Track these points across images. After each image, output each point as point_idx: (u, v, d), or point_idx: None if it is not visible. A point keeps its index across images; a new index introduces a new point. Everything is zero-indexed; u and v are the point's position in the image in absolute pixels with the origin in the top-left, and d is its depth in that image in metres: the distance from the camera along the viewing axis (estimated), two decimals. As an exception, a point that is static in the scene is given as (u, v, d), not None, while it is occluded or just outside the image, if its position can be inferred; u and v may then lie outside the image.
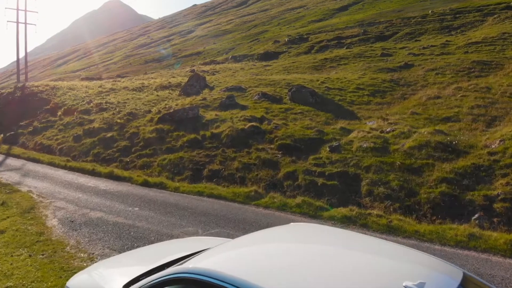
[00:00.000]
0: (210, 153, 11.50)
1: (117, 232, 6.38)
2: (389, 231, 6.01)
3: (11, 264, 5.11)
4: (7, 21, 32.57)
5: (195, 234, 6.20)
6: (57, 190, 9.83)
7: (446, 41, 24.18)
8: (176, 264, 2.43)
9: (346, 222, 6.60)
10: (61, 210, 7.87)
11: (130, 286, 2.60)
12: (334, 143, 10.02)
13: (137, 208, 7.83)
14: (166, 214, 7.38)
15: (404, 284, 1.82)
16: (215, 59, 38.68)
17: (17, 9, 31.94)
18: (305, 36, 35.62)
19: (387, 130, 10.44)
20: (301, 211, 7.21)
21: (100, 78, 37.04)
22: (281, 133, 11.47)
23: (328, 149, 9.82)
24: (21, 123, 21.52)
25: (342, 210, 6.91)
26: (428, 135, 9.34)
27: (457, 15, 30.80)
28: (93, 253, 5.43)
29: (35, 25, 33.45)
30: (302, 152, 10.26)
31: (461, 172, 7.53)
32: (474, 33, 25.68)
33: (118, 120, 16.18)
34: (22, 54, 33.44)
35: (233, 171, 10.17)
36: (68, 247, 5.73)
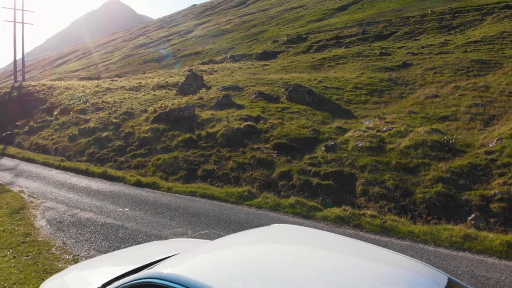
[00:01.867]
0: (205, 152, 11.37)
1: (104, 233, 6.24)
2: (383, 232, 5.87)
3: (-6, 265, 4.99)
4: (4, 21, 32.47)
5: (185, 235, 6.06)
6: (48, 190, 9.69)
7: (445, 40, 24.08)
8: (147, 268, 2.30)
9: (339, 222, 6.46)
10: (51, 210, 7.73)
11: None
12: (330, 143, 9.88)
13: (128, 209, 7.68)
14: (156, 214, 7.23)
15: None
16: (214, 58, 38.57)
17: (14, 8, 31.84)
18: (304, 36, 35.53)
19: (384, 129, 10.30)
20: (294, 211, 7.07)
21: (98, 78, 36.91)
22: (277, 132, 11.33)
23: (323, 148, 9.68)
24: (17, 123, 21.41)
25: (336, 211, 6.77)
26: (424, 134, 9.20)
27: (456, 14, 30.72)
28: (78, 255, 5.29)
29: (32, 24, 33.36)
30: (297, 151, 10.13)
31: (458, 172, 7.39)
32: (473, 32, 25.55)
33: (114, 120, 16.06)
34: (20, 54, 33.32)
35: (228, 171, 10.04)
36: (53, 249, 5.59)
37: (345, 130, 10.88)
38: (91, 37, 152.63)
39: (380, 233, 5.85)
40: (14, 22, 31.65)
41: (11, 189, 9.92)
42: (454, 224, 6.07)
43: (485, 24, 27.24)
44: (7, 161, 15.12)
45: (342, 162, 8.74)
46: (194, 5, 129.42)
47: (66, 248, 5.58)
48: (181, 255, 2.36)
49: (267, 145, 10.79)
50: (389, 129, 10.20)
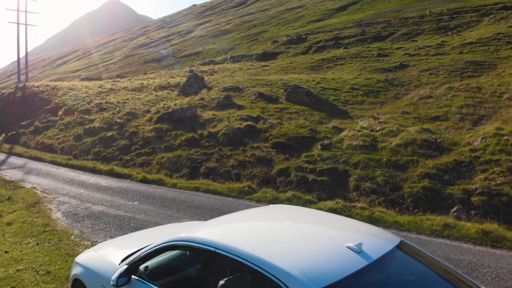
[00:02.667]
0: (207, 151, 11.92)
1: (117, 223, 6.81)
2: (371, 221, 6.42)
3: (21, 251, 5.54)
4: (8, 22, 32.95)
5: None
6: (59, 186, 10.25)
7: (442, 41, 24.40)
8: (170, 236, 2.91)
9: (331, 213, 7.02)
10: (65, 204, 8.29)
11: (128, 257, 3.09)
12: (326, 141, 10.44)
13: (137, 203, 8.26)
14: (164, 207, 7.80)
15: (346, 245, 2.31)
16: (214, 59, 38.95)
17: (18, 10, 32.34)
18: (304, 36, 35.87)
19: (377, 128, 10.85)
20: (290, 204, 7.63)
21: (100, 78, 37.42)
22: (276, 132, 11.88)
23: (319, 147, 10.24)
24: (22, 123, 21.90)
25: (329, 203, 7.33)
26: (415, 133, 9.75)
27: (454, 15, 30.84)
28: (96, 241, 5.85)
29: (35, 26, 33.87)
30: (295, 150, 10.68)
31: (443, 168, 7.95)
32: (470, 33, 25.79)
33: (118, 120, 16.59)
34: (22, 54, 33.83)
35: (229, 169, 10.59)
36: (72, 236, 6.16)
37: (341, 130, 11.43)
38: (91, 37, 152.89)
39: (368, 223, 6.37)
40: (18, 23, 32.15)
41: (24, 185, 10.46)
42: (438, 216, 6.63)
43: (482, 26, 27.57)
44: (15, 160, 15.65)
45: (337, 160, 9.30)
46: (194, 5, 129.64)
47: (84, 236, 6.15)
48: (195, 227, 2.98)
49: (267, 144, 11.34)
50: (382, 129, 10.75)
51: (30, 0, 32.69)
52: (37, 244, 5.83)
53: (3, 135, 20.84)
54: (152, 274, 2.90)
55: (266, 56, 31.88)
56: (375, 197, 7.65)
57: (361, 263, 2.18)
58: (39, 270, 4.84)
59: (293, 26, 48.37)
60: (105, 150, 14.55)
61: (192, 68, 32.52)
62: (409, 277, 2.36)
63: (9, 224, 6.86)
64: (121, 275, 2.85)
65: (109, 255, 3.45)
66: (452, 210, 6.87)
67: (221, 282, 2.54)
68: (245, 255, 2.30)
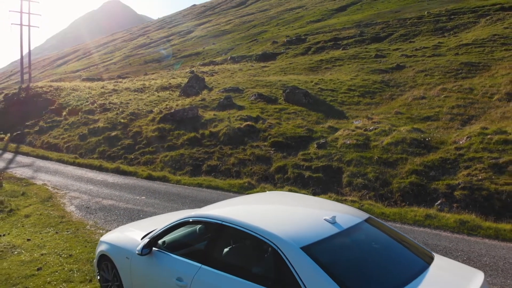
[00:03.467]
0: (209, 150, 12.49)
1: (128, 215, 7.38)
2: (361, 214, 7.00)
3: (42, 239, 6.11)
4: (11, 24, 33.47)
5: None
6: (69, 183, 10.82)
7: (439, 42, 24.58)
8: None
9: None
10: (76, 199, 8.86)
11: (148, 235, 3.78)
12: (322, 140, 11.01)
13: (144, 197, 8.84)
14: (169, 201, 8.38)
15: (324, 218, 2.96)
16: (214, 59, 39.36)
17: (21, 12, 32.86)
18: (303, 37, 36.20)
19: (370, 128, 11.42)
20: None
21: (101, 79, 37.93)
22: (275, 131, 12.45)
23: (315, 145, 10.81)
24: (27, 123, 22.43)
25: (322, 197, 7.90)
26: (405, 133, 10.33)
27: (452, 16, 30.77)
28: (110, 230, 6.42)
29: (38, 27, 34.41)
30: (292, 148, 11.26)
31: (430, 165, 8.53)
32: (466, 34, 25.98)
33: (122, 120, 17.14)
34: (26, 57, 34.36)
35: (230, 166, 11.17)
36: (88, 226, 6.74)
37: (336, 130, 12.00)
38: (91, 37, 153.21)
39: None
40: (21, 25, 32.68)
41: (35, 182, 11.03)
42: (422, 208, 7.20)
43: (478, 27, 27.85)
44: (23, 159, 16.19)
45: (331, 158, 9.88)
46: (194, 5, 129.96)
47: (98, 226, 6.73)
48: (204, 207, 3.61)
49: (265, 143, 11.91)
50: (375, 128, 11.32)
51: (33, 2, 33.20)
52: (56, 233, 6.41)
53: (8, 134, 21.38)
54: (168, 247, 3.55)
55: (266, 57, 32.31)
56: (366, 192, 8.22)
57: (334, 230, 2.84)
58: (62, 254, 5.41)
59: (292, 26, 48.71)
60: (110, 149, 15.11)
61: (193, 68, 33.03)
62: (373, 243, 3.02)
63: (27, 216, 7.43)
64: (144, 246, 3.52)
65: (131, 234, 4.11)
66: (436, 203, 7.45)
67: (226, 250, 3.20)
68: (246, 225, 2.96)
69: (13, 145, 19.46)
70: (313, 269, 2.50)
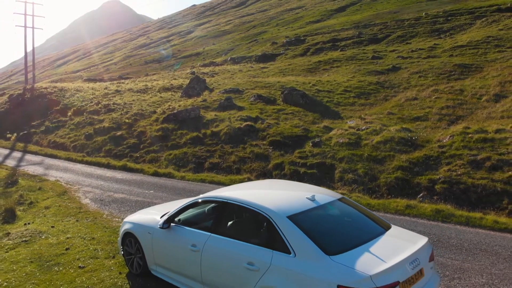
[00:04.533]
0: (211, 148, 13.25)
1: (140, 206, 8.14)
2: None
3: (64, 226, 6.87)
4: (15, 26, 34.14)
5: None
6: (80, 179, 11.57)
7: (434, 44, 25.01)
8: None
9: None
10: (90, 193, 9.62)
11: (166, 214, 4.65)
12: (316, 139, 11.77)
13: (152, 191, 9.60)
14: (176, 194, 9.13)
15: (305, 197, 3.82)
16: (214, 60, 39.95)
17: (25, 14, 33.55)
18: (302, 38, 36.63)
19: (362, 128, 12.18)
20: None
21: (102, 79, 38.64)
22: (273, 131, 13.21)
23: (311, 144, 11.57)
24: (33, 123, 23.10)
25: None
26: (394, 132, 11.09)
27: (449, 18, 31.07)
28: (124, 218, 7.17)
29: (42, 29, 35.06)
30: (289, 147, 12.02)
31: (414, 162, 9.29)
32: (462, 36, 26.29)
33: (126, 120, 17.87)
34: (30, 58, 35.06)
35: (230, 164, 11.93)
36: (104, 215, 7.50)
37: (331, 129, 12.75)
38: (91, 37, 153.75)
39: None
40: (25, 27, 33.36)
41: (48, 178, 11.77)
42: (404, 199, 7.96)
43: (474, 28, 28.23)
44: (32, 157, 16.90)
45: (325, 155, 10.64)
46: (194, 5, 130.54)
47: (114, 215, 7.49)
48: (219, 190, 4.52)
49: (264, 142, 12.67)
50: (367, 128, 12.08)
51: (36, 4, 33.90)
52: (77, 221, 7.16)
53: (15, 134, 22.06)
54: (183, 223, 4.43)
55: (266, 58, 32.85)
56: (356, 186, 8.99)
57: (312, 205, 3.74)
58: (85, 237, 6.17)
59: (292, 27, 49.15)
60: (116, 148, 15.84)
61: (193, 69, 33.70)
62: (344, 215, 3.91)
63: (47, 207, 8.18)
64: (164, 222, 4.45)
65: (151, 215, 4.99)
66: (418, 196, 8.21)
67: (230, 223, 4.04)
68: (245, 202, 3.85)
69: (21, 144, 20.15)
70: (296, 232, 3.36)
